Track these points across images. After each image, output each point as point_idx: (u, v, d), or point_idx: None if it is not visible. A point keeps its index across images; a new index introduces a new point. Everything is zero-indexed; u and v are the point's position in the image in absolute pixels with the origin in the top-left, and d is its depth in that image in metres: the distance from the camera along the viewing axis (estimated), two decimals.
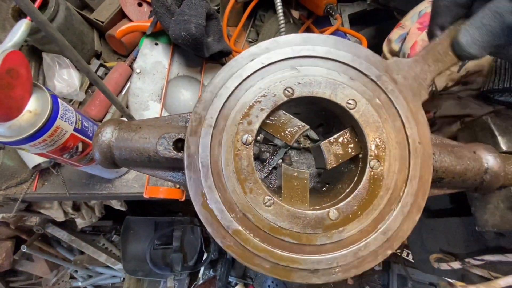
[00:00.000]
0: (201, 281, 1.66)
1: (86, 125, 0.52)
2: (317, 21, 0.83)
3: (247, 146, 0.28)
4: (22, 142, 0.42)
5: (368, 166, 0.28)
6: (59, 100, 0.46)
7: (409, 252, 1.79)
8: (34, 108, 0.42)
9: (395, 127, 0.28)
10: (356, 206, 0.27)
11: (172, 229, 1.47)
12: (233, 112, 0.28)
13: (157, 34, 0.78)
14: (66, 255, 1.58)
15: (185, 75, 0.79)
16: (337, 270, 0.26)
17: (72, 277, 1.67)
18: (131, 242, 1.47)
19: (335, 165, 0.29)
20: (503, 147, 0.36)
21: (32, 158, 0.67)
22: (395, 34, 0.54)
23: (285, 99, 0.29)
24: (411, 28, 0.49)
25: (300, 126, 0.30)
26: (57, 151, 0.48)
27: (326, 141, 0.30)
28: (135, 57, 0.80)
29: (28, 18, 0.42)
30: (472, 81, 0.44)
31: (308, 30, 0.82)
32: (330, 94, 0.29)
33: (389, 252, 0.26)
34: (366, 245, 0.26)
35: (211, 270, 1.69)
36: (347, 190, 0.29)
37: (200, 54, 0.72)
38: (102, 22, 0.78)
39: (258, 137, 0.30)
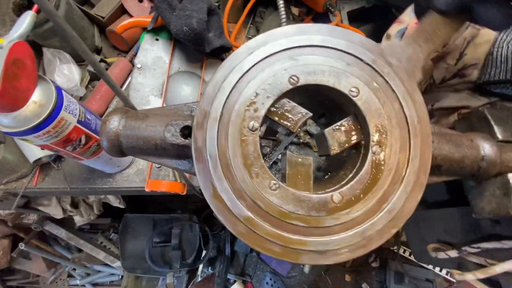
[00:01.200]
0: (199, 279, 1.66)
1: (89, 117, 0.52)
2: (316, 18, 0.84)
3: (254, 132, 0.29)
4: (27, 133, 0.42)
5: (370, 151, 0.29)
6: (63, 92, 0.46)
7: (406, 248, 1.81)
8: (39, 99, 0.42)
9: (394, 109, 0.29)
10: (358, 190, 0.28)
11: (171, 227, 1.47)
12: (238, 103, 0.29)
13: (157, 30, 0.78)
14: (63, 253, 1.57)
15: (185, 71, 0.79)
16: (344, 250, 0.27)
17: (70, 276, 1.66)
18: (130, 239, 1.48)
19: (338, 151, 0.30)
20: (499, 136, 0.37)
21: (33, 152, 0.67)
22: (393, 29, 0.55)
23: (290, 87, 0.29)
24: (410, 22, 0.50)
25: (304, 113, 0.31)
26: (61, 143, 0.48)
27: (330, 128, 0.31)
28: (136, 53, 0.80)
29: (34, 9, 0.42)
30: (468, 73, 0.45)
31: None
32: (334, 82, 0.29)
33: (395, 230, 0.27)
34: (372, 225, 0.27)
35: (210, 268, 1.70)
36: (350, 176, 0.30)
37: (201, 49, 0.72)
38: (103, 18, 0.78)
39: (259, 132, 0.31)
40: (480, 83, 0.44)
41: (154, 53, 0.77)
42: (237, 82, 0.30)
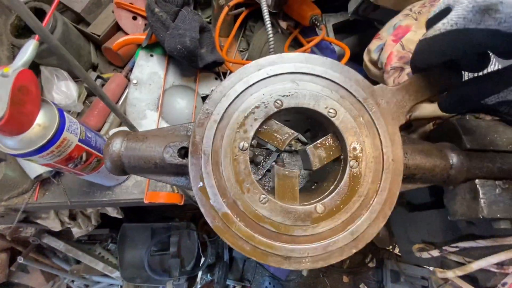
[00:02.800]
0: (199, 286, 1.67)
1: (89, 136, 0.55)
2: (303, 31, 0.88)
3: (244, 152, 0.32)
4: (32, 154, 0.45)
5: (348, 165, 0.32)
6: (65, 114, 0.49)
7: None
8: (43, 121, 0.45)
9: (374, 144, 0.32)
10: (339, 200, 0.32)
11: (169, 235, 1.49)
12: (237, 113, 0.32)
13: (152, 46, 0.81)
14: (62, 265, 1.57)
15: (180, 85, 0.82)
16: (307, 260, 0.30)
17: None
18: (128, 249, 1.49)
19: (319, 166, 0.34)
20: (467, 145, 0.41)
21: (34, 168, 0.69)
22: (373, 44, 0.59)
23: (275, 110, 0.33)
24: (387, 39, 0.54)
25: (290, 133, 0.35)
26: (63, 161, 0.51)
27: (311, 145, 0.34)
28: (131, 68, 0.83)
29: (36, 38, 0.45)
30: None
31: (295, 39, 0.87)
32: (314, 105, 0.33)
33: (354, 250, 0.30)
34: (335, 242, 0.30)
35: (209, 274, 1.72)
36: (331, 187, 0.33)
37: (194, 65, 0.76)
38: (99, 36, 0.81)
39: (252, 142, 0.34)
40: None
41: (149, 69, 0.80)
42: (241, 93, 0.33)
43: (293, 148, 0.85)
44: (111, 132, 0.78)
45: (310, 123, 0.40)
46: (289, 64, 0.33)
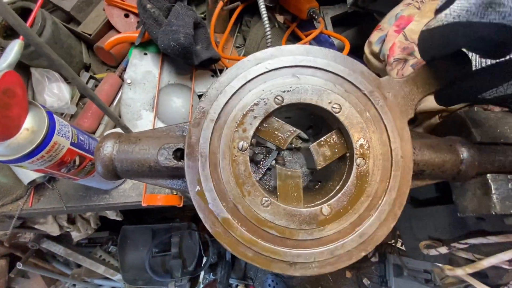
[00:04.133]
0: (201, 286, 1.66)
1: (82, 138, 0.53)
2: (301, 25, 0.85)
3: (243, 152, 0.30)
4: (21, 160, 0.43)
5: (354, 163, 0.30)
6: (55, 116, 0.47)
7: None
8: (31, 125, 0.42)
9: (381, 140, 0.31)
10: (346, 201, 0.30)
11: (170, 236, 1.47)
12: (235, 111, 0.30)
13: (145, 44, 0.79)
14: (62, 269, 1.55)
15: (175, 83, 0.80)
16: (313, 265, 0.28)
17: None
18: (129, 251, 1.47)
19: (323, 165, 0.32)
20: (477, 138, 0.39)
21: (27, 174, 0.67)
22: (374, 36, 0.57)
23: (276, 106, 0.31)
24: (389, 30, 0.52)
25: (292, 131, 0.33)
26: (55, 166, 0.48)
27: (315, 143, 0.32)
28: (125, 68, 0.81)
29: (21, 38, 0.42)
30: None
31: (293, 33, 0.85)
32: (317, 100, 0.31)
33: (363, 254, 0.28)
34: (343, 245, 0.29)
35: (211, 274, 1.71)
36: (337, 187, 0.32)
37: (190, 62, 0.73)
38: (90, 35, 0.78)
39: (252, 141, 0.32)
40: None
41: (143, 68, 0.78)
42: (239, 89, 0.31)
43: (293, 145, 0.83)
44: (106, 134, 0.75)
45: (312, 119, 0.38)
46: (289, 57, 0.31)
